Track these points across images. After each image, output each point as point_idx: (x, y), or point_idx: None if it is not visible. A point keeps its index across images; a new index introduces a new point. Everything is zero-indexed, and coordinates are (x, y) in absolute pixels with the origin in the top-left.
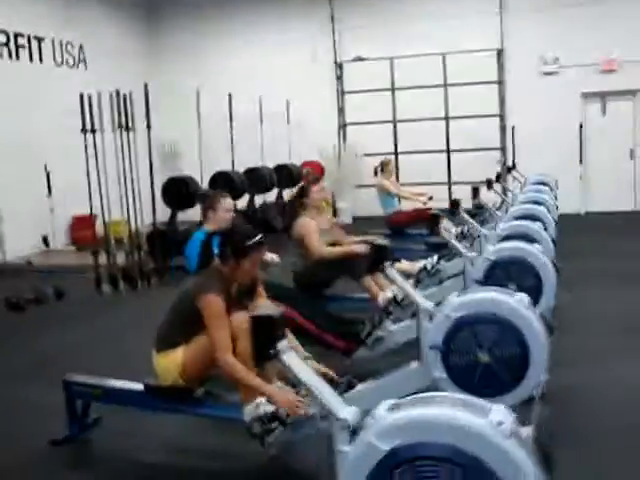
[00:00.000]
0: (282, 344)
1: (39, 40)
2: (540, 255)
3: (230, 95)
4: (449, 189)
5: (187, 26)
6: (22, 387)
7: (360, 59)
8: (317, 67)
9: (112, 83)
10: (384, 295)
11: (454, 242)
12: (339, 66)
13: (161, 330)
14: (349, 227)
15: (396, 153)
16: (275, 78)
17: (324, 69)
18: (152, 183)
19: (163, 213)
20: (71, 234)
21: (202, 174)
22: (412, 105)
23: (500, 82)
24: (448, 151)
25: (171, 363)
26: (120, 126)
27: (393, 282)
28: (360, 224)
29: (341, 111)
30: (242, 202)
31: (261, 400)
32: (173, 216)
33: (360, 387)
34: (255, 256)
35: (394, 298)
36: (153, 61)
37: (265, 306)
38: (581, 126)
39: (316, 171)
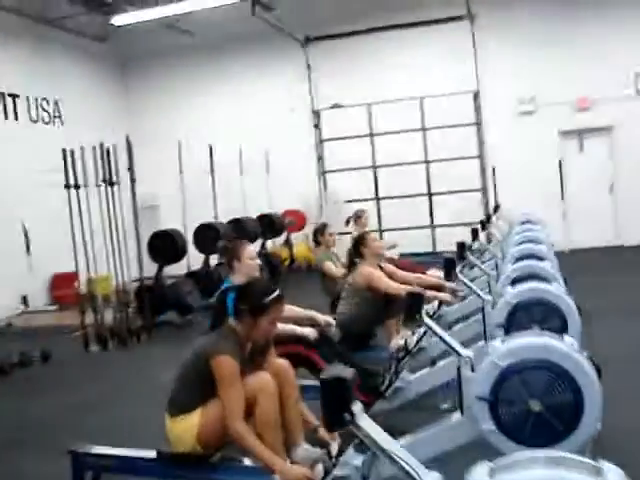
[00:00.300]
0: (357, 408)
1: (14, 97)
2: (564, 296)
3: (211, 147)
4: (432, 232)
5: (162, 79)
6: (16, 456)
7: (337, 106)
8: (295, 116)
9: (89, 139)
10: (396, 341)
11: (472, 286)
12: (316, 114)
13: (174, 393)
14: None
15: (377, 198)
16: (253, 128)
17: (302, 117)
18: (138, 238)
19: (147, 268)
20: (51, 293)
21: (185, 227)
22: (391, 150)
23: (478, 123)
24: (430, 194)
25: (187, 428)
26: (104, 180)
27: (430, 329)
28: None
29: (320, 159)
30: None
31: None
32: (160, 271)
33: (401, 442)
34: (274, 313)
35: (405, 345)
36: (130, 116)
37: (335, 367)
38: (560, 163)
39: (298, 220)
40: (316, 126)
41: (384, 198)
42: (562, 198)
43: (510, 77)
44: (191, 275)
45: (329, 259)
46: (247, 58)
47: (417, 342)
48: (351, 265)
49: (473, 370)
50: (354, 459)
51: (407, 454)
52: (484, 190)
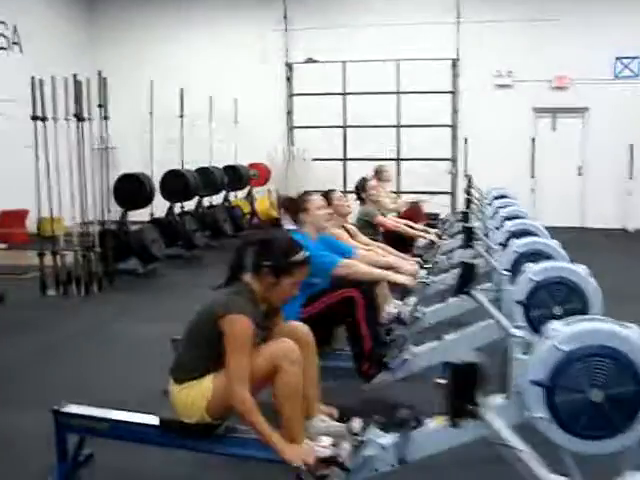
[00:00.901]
0: (485, 400)
1: None
2: (587, 277)
3: (182, 90)
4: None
5: (133, 13)
6: None
7: (312, 61)
8: (267, 67)
9: (51, 70)
10: (389, 310)
11: (490, 259)
12: (289, 67)
13: (181, 356)
14: None
15: (345, 159)
16: (224, 75)
17: (274, 69)
18: (105, 179)
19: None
20: None
21: (152, 172)
22: (363, 111)
23: (454, 92)
24: (398, 159)
25: (196, 396)
26: (75, 115)
27: (482, 305)
28: None
29: (289, 113)
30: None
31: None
32: (124, 216)
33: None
34: (298, 276)
35: (398, 316)
36: (96, 50)
37: (466, 353)
38: (533, 140)
39: (262, 174)
40: (288, 79)
41: (352, 159)
42: (532, 176)
43: (490, 49)
44: (154, 223)
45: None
46: (225, 2)
47: (412, 312)
48: None
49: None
50: (382, 438)
51: (531, 452)
52: (454, 160)
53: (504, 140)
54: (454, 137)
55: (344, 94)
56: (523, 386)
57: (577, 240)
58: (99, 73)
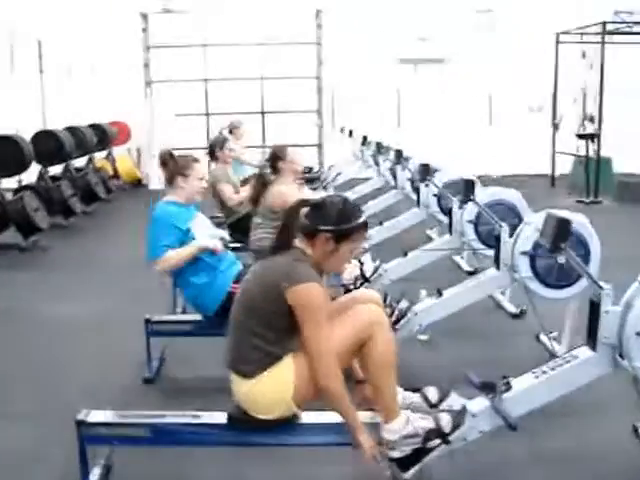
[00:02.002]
0: None
1: None
2: (588, 225)
3: (40, 43)
4: (263, 153)
5: None
6: None
7: (168, 11)
8: (120, 17)
9: None
10: (351, 270)
11: (488, 212)
12: (144, 17)
13: (241, 345)
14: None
15: (207, 114)
16: (80, 26)
17: (128, 19)
18: None
19: None
20: None
21: (18, 131)
22: (225, 63)
23: (319, 43)
24: (263, 112)
25: (280, 386)
26: None
27: (571, 259)
28: None
29: (146, 66)
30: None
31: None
32: None
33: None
34: (359, 240)
35: (362, 273)
36: None
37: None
38: (398, 91)
39: (122, 132)
40: (144, 30)
41: (215, 114)
42: (398, 125)
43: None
44: (27, 190)
45: (227, 179)
46: None
47: (375, 270)
48: (262, 186)
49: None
50: (477, 405)
51: None
52: (319, 112)
53: (369, 91)
54: (319, 89)
55: (204, 46)
56: (627, 337)
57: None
58: None
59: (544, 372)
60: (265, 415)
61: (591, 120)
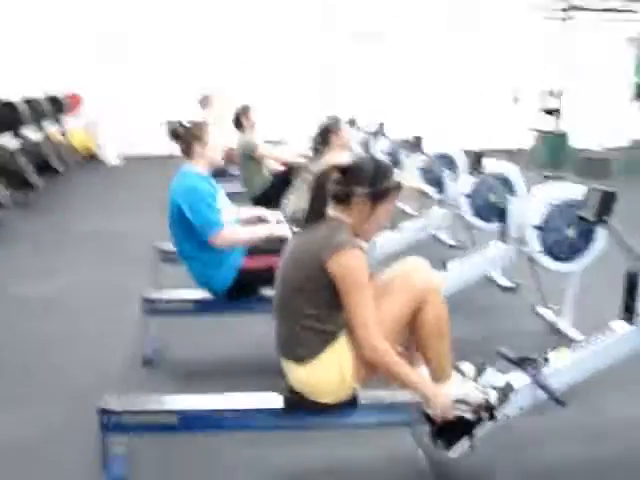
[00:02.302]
0: None
1: None
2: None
3: None
4: None
5: None
6: None
7: None
8: None
9: None
10: None
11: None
12: None
13: (290, 330)
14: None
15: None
16: None
17: None
18: None
19: None
20: None
21: None
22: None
23: None
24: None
25: (339, 368)
26: None
27: (613, 232)
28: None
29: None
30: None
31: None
32: None
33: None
34: (394, 199)
35: None
36: None
37: None
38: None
39: (73, 102)
40: None
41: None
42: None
43: None
44: None
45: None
46: None
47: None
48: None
49: None
50: (517, 380)
51: None
52: None
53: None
54: None
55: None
56: None
57: None
58: None
59: (582, 347)
60: (326, 399)
61: (553, 95)
